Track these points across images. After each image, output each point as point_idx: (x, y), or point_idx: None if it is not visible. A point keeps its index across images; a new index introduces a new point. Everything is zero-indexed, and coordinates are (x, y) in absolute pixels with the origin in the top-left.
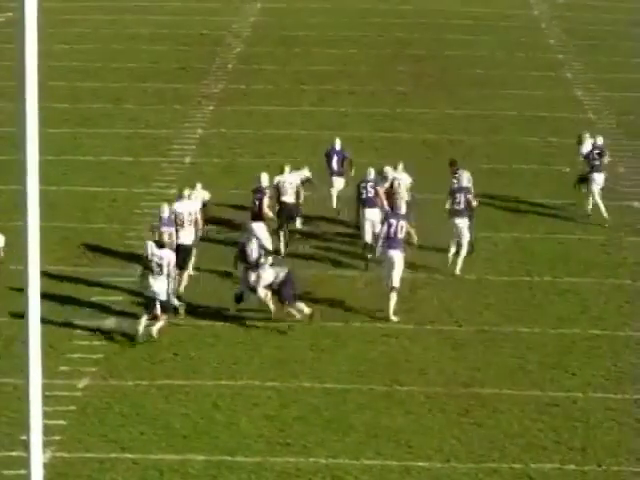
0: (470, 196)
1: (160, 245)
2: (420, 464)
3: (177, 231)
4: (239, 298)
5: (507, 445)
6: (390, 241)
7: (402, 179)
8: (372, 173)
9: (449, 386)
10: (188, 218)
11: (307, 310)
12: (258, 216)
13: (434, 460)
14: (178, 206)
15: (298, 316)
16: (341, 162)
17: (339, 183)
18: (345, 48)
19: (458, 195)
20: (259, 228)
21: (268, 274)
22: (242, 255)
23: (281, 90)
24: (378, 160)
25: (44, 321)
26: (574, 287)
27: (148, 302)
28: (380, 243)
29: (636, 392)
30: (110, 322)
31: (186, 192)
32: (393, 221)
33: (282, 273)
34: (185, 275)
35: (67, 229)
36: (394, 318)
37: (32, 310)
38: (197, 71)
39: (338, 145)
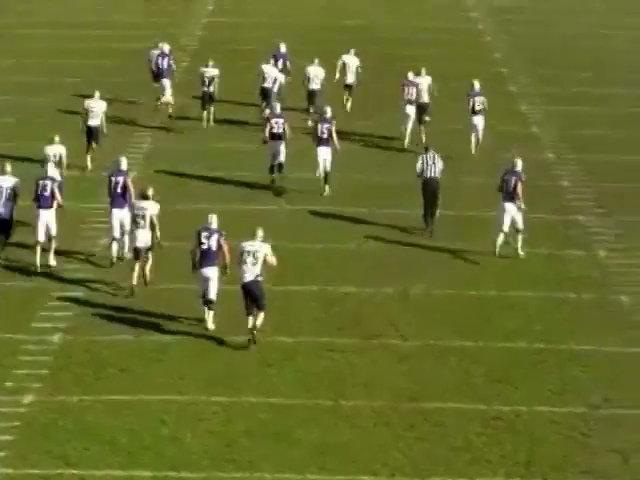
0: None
1: (143, 197)
2: (365, 478)
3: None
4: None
5: (452, 459)
6: (505, 195)
7: (425, 81)
8: (329, 112)
9: (395, 400)
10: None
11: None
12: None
13: (379, 475)
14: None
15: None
16: (284, 62)
17: (281, 77)
18: (293, 62)
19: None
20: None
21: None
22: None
23: (229, 104)
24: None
25: None
26: (519, 301)
27: (135, 252)
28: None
29: (581, 406)
30: (56, 338)
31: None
32: (508, 177)
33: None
34: None
35: (12, 244)
36: (522, 253)
37: None
38: (145, 85)
39: (283, 48)
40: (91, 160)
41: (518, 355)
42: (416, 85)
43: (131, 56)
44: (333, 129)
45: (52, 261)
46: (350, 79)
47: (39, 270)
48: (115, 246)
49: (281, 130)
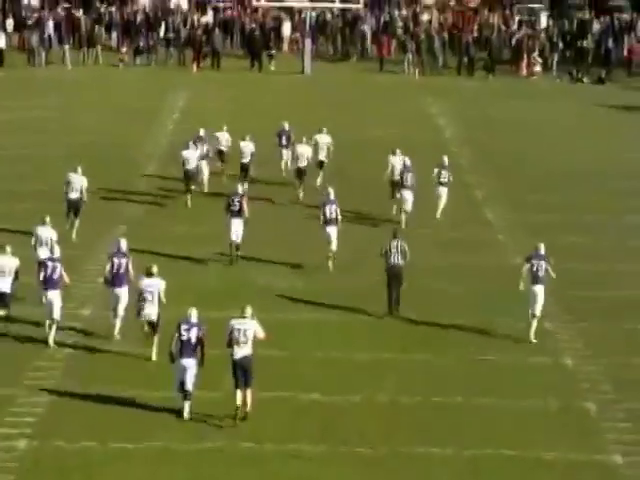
0: None
1: (148, 274)
2: None
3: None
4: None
5: None
6: (534, 278)
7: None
8: (332, 193)
9: None
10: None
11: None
12: None
13: None
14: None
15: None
16: (288, 138)
17: (286, 155)
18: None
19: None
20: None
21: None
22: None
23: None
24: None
25: None
26: (485, 407)
27: (150, 326)
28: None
29: None
30: (22, 444)
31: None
32: (535, 261)
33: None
34: None
35: None
36: (534, 340)
37: None
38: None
39: (287, 126)
40: (75, 233)
41: (485, 462)
42: (407, 169)
43: (97, 163)
44: (338, 210)
45: (51, 342)
46: (322, 156)
47: (52, 347)
48: (118, 322)
49: (237, 207)
